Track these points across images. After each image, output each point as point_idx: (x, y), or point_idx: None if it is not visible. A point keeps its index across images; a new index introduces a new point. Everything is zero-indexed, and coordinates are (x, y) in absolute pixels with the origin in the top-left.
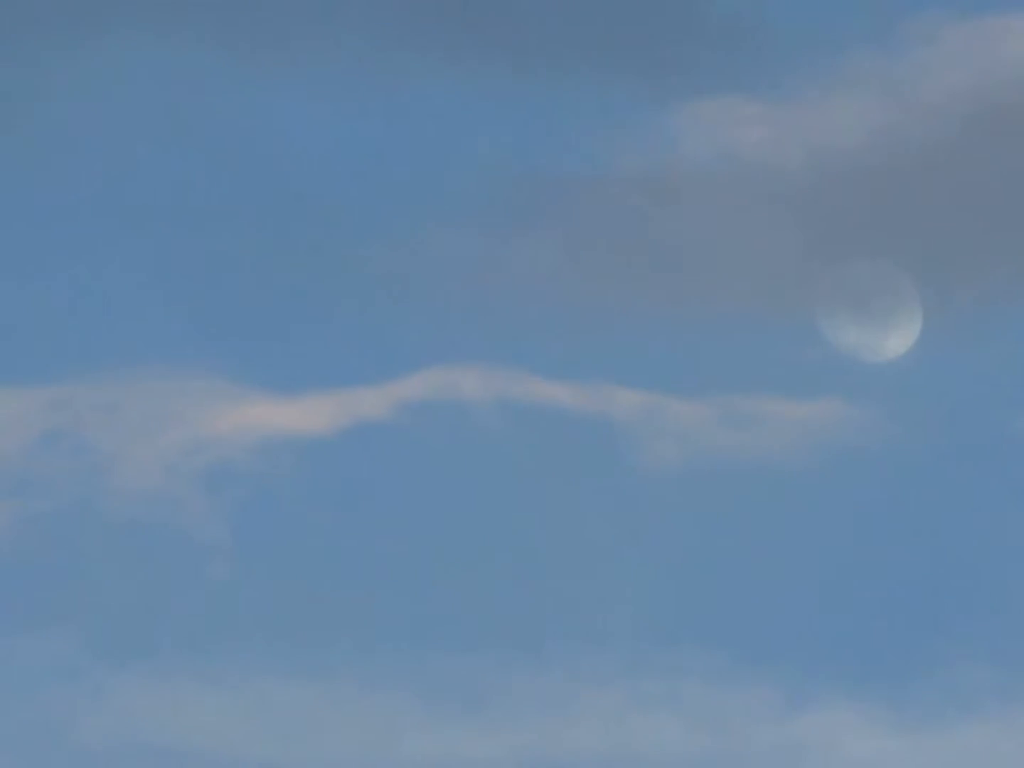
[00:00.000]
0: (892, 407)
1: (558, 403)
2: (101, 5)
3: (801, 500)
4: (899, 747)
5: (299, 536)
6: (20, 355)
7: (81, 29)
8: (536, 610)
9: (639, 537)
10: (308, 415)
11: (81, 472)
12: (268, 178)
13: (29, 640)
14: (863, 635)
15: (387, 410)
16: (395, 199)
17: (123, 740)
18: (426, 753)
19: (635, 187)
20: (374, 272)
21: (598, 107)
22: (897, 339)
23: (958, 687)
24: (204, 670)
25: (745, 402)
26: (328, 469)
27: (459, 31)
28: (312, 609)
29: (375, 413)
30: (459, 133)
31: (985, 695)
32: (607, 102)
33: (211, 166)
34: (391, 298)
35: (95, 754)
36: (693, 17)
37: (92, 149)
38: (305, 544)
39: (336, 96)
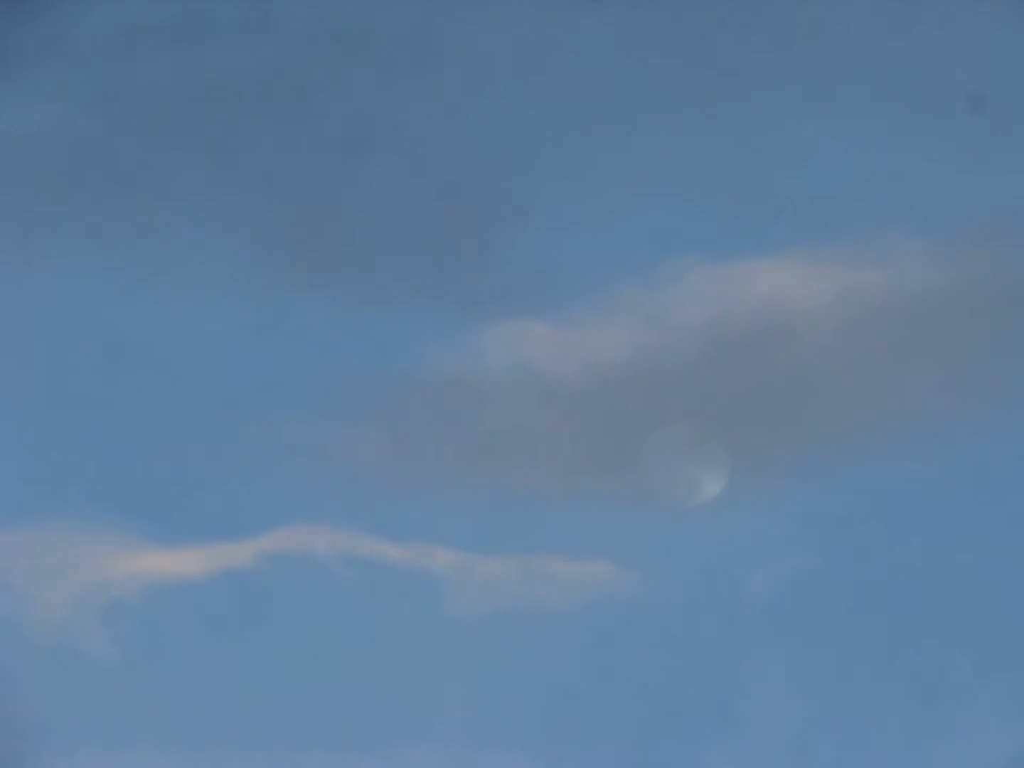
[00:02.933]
0: (650, 568)
1: (389, 559)
2: (32, 233)
3: (574, 641)
4: None
5: (179, 661)
6: None
7: (14, 251)
8: (371, 724)
9: (454, 671)
10: (187, 563)
11: (5, 605)
12: (158, 372)
13: None
14: (641, 751)
15: (252, 561)
16: (257, 393)
17: None
18: None
19: (448, 390)
20: (241, 450)
21: (420, 326)
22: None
23: None
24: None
25: (537, 561)
26: (203, 609)
27: (315, 265)
28: (190, 717)
29: (242, 563)
30: (310, 343)
31: None
32: (427, 322)
33: (114, 361)
34: (255, 471)
35: None
36: (496, 256)
37: (13, 344)
38: (184, 668)
39: (216, 311)
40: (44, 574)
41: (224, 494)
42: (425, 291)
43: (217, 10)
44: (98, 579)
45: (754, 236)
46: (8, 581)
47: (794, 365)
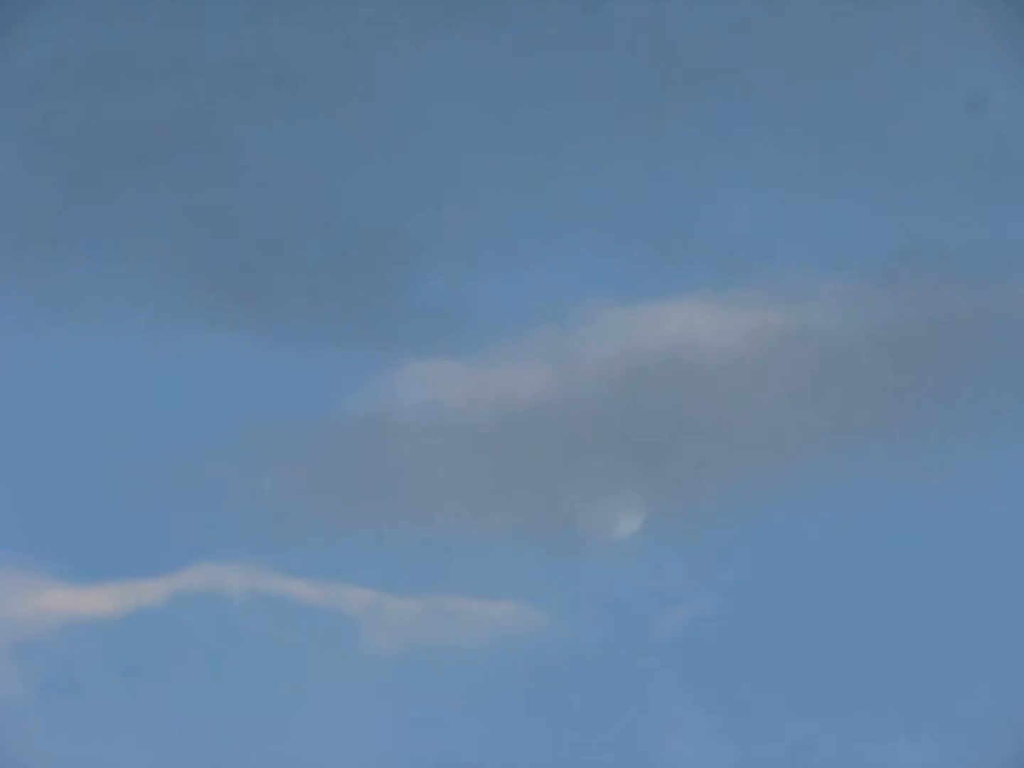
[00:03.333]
0: (560, 608)
1: (301, 598)
2: None
3: (485, 681)
4: None
5: (89, 700)
6: None
7: None
8: (283, 763)
9: (365, 710)
10: (97, 602)
11: None
12: (70, 410)
13: None
14: None
15: (163, 599)
16: (170, 432)
17: None
18: None
19: (360, 429)
20: (153, 489)
21: (332, 366)
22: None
23: None
24: None
25: (449, 601)
26: (114, 647)
27: (229, 306)
28: (101, 756)
29: (153, 601)
30: (223, 383)
31: None
32: (340, 362)
33: (25, 398)
34: (167, 510)
35: None
36: (409, 297)
37: None
38: (95, 706)
39: (128, 352)
40: None
41: (136, 532)
42: (338, 331)
43: (128, 51)
44: (8, 617)
45: (666, 277)
46: None
47: (706, 406)
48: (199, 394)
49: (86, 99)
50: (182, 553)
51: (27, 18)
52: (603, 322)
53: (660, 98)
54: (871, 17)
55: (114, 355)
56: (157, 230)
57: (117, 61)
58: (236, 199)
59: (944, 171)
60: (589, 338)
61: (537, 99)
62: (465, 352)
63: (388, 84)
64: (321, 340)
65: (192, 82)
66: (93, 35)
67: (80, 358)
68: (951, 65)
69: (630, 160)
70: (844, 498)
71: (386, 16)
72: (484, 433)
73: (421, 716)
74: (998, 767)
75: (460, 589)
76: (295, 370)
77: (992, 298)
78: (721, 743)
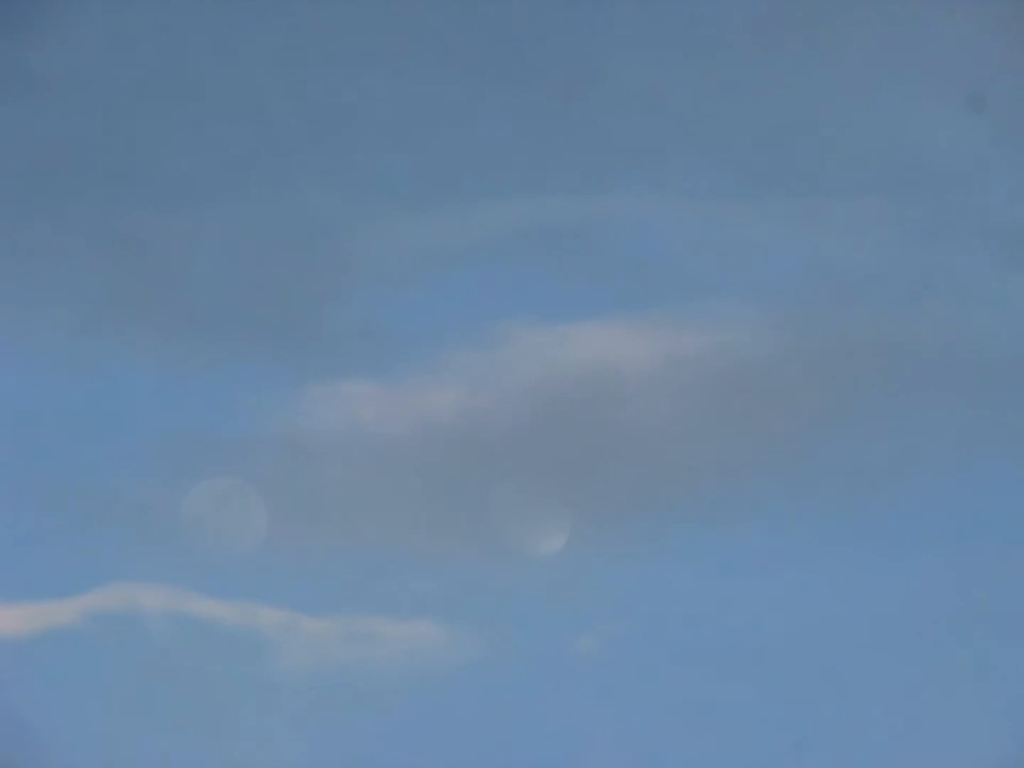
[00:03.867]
0: (475, 629)
1: (215, 617)
2: None
3: (398, 700)
4: None
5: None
6: None
7: None
8: None
9: (279, 729)
10: (10, 621)
11: None
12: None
13: None
14: None
15: (76, 618)
16: (84, 450)
17: None
18: None
19: (276, 449)
20: (66, 508)
21: (250, 385)
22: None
23: None
24: None
25: (363, 621)
26: (26, 666)
27: (143, 323)
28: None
29: (66, 621)
30: (139, 401)
31: None
32: (257, 381)
33: None
34: (80, 529)
35: None
36: (326, 316)
37: None
38: (7, 724)
39: (44, 369)
40: None
41: (49, 552)
42: (255, 352)
43: (44, 67)
44: None
45: (582, 300)
46: None
47: (622, 427)
48: (114, 413)
49: (16, 117)
50: (96, 572)
51: None
52: (519, 343)
53: (581, 120)
54: (790, 41)
55: (28, 374)
56: (72, 246)
57: (39, 82)
58: (154, 223)
59: (861, 197)
60: (506, 358)
61: (453, 121)
62: (382, 371)
63: (304, 104)
64: (238, 361)
65: (105, 96)
66: (21, 53)
67: (20, 378)
68: (873, 87)
69: (547, 180)
70: (760, 518)
71: (305, 42)
72: (401, 453)
73: (335, 735)
74: None
75: (375, 609)
76: (211, 390)
77: (902, 323)
78: (639, 763)
